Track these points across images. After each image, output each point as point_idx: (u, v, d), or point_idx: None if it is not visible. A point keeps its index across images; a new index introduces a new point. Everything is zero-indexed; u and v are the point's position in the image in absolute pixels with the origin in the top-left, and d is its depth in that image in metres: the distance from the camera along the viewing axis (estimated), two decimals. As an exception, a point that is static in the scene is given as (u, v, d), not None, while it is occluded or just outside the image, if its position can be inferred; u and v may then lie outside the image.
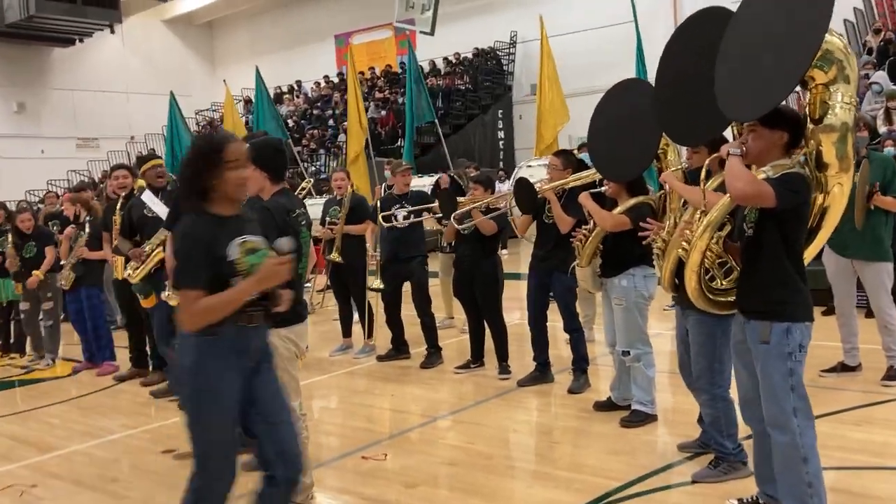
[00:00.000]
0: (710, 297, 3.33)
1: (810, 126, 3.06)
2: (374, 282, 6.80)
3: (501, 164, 20.08)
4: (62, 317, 7.88)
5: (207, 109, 26.35)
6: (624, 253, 4.85)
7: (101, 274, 7.36)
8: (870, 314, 6.08)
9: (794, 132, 3.06)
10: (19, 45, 23.81)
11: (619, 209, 4.81)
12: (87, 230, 7.14)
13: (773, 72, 2.91)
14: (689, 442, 4.34)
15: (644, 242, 4.08)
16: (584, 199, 4.91)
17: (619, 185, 4.84)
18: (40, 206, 11.34)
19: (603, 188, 5.04)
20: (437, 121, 13.73)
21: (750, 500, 3.49)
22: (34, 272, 7.43)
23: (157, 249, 5.72)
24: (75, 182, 22.97)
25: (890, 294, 5.39)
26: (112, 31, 24.28)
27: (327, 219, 7.06)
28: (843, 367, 5.58)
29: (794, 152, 3.06)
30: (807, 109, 3.09)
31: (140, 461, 4.71)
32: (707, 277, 3.33)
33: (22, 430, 5.53)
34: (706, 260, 3.28)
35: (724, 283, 3.32)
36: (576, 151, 7.01)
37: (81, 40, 24.62)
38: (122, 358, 7.12)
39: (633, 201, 4.78)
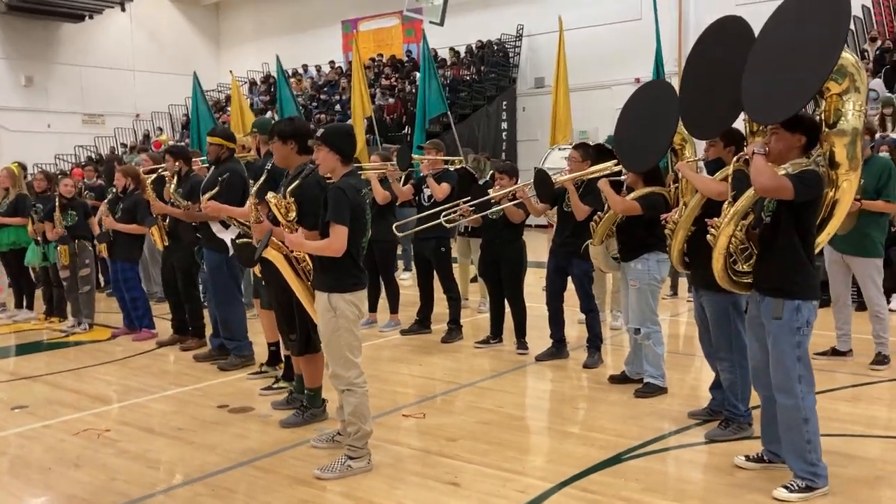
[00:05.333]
0: (733, 278, 3.80)
1: (825, 130, 3.55)
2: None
3: (504, 154, 20.51)
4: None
5: (212, 90, 26.61)
6: (639, 238, 5.36)
7: (133, 247, 7.58)
8: (861, 307, 6.59)
9: (811, 135, 3.55)
10: (30, 18, 23.97)
11: (631, 195, 5.33)
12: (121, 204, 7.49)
13: (795, 82, 3.39)
14: (699, 410, 4.85)
15: (659, 228, 4.60)
16: (603, 184, 5.41)
17: (637, 175, 5.34)
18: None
19: (623, 177, 5.53)
20: (449, 112, 14.13)
21: (756, 456, 4.00)
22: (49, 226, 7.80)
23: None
24: (83, 157, 23.28)
25: (879, 286, 5.91)
26: (123, 9, 24.51)
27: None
28: (834, 352, 6.11)
29: (811, 153, 3.54)
30: (822, 116, 3.57)
31: (198, 413, 5.17)
32: (731, 261, 3.80)
33: (81, 385, 5.97)
34: (731, 244, 3.75)
35: (745, 266, 3.79)
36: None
37: (91, 16, 24.79)
38: (162, 328, 7.56)
39: (646, 190, 5.30)
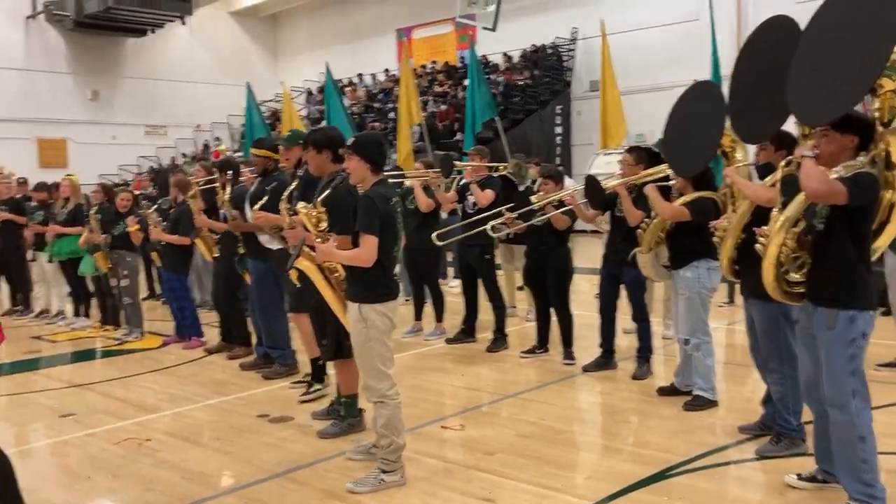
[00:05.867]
0: (785, 289, 3.59)
1: (880, 129, 3.32)
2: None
3: (558, 159, 20.28)
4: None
5: (270, 100, 27.04)
6: (689, 245, 5.15)
7: (179, 258, 7.61)
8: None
9: (864, 136, 3.33)
10: (95, 35, 24.77)
11: (679, 200, 5.12)
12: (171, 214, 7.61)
13: (844, 80, 3.18)
14: (750, 424, 4.63)
15: (709, 235, 4.41)
16: (650, 189, 5.22)
17: (686, 179, 5.13)
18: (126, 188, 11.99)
19: (671, 182, 5.34)
20: (497, 117, 14.01)
21: (809, 475, 3.77)
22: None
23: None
24: (145, 168, 23.92)
25: None
26: (183, 23, 25.10)
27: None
28: (897, 363, 5.79)
29: (865, 154, 3.32)
30: (876, 114, 3.35)
31: (238, 423, 5.16)
32: (782, 270, 3.60)
33: (127, 393, 6.04)
34: (781, 254, 3.55)
35: (797, 276, 3.58)
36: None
37: (153, 31, 25.48)
38: (213, 336, 7.64)
39: (695, 195, 5.09)
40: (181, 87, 26.72)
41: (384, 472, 3.97)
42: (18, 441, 5.04)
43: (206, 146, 25.03)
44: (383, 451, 3.99)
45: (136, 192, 10.27)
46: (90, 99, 25.07)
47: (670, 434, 4.68)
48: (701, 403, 5.12)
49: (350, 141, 3.94)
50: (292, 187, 4.58)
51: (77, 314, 9.12)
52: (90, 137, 24.45)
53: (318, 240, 4.03)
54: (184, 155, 25.34)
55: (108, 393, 6.06)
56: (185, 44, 27.09)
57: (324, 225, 4.05)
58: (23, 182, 10.26)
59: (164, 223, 7.57)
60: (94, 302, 8.98)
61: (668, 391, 5.46)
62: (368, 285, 3.88)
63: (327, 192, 4.05)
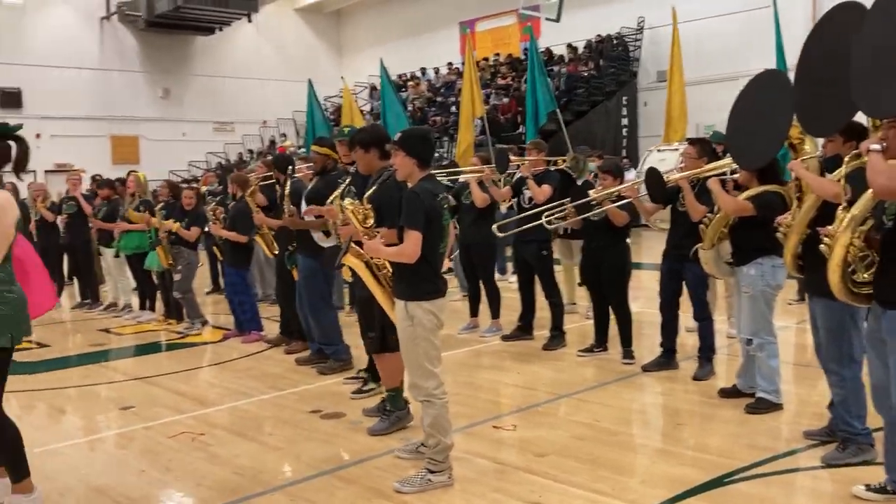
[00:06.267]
0: (853, 290, 3.40)
1: (955, 120, 3.09)
2: None
3: (625, 151, 19.90)
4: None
5: (334, 96, 27.29)
6: (752, 241, 4.93)
7: (238, 253, 7.65)
8: None
9: (938, 127, 3.10)
10: (166, 34, 25.42)
11: (744, 195, 4.91)
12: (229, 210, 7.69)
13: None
14: (816, 430, 4.41)
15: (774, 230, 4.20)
16: (712, 182, 5.04)
17: (750, 173, 4.92)
18: (195, 184, 12.29)
19: (735, 176, 5.13)
20: (558, 109, 13.81)
21: (878, 486, 3.56)
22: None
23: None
24: (213, 163, 24.45)
25: None
26: (249, 20, 25.53)
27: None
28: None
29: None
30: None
31: (290, 418, 5.18)
32: (849, 270, 3.40)
33: (186, 387, 6.14)
34: (848, 254, 3.35)
35: (865, 276, 3.38)
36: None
37: (221, 29, 26.00)
38: (272, 330, 7.72)
39: (760, 189, 4.87)
40: (248, 83, 27.19)
41: (431, 472, 3.91)
42: (81, 432, 5.16)
43: (272, 142, 25.43)
44: (430, 450, 3.94)
45: (203, 189, 10.51)
46: (161, 97, 25.75)
47: (731, 438, 4.50)
48: (764, 406, 4.91)
49: (396, 137, 3.88)
50: (346, 184, 4.55)
51: (143, 308, 9.34)
52: (161, 134, 25.12)
53: (365, 236, 3.99)
54: (250, 151, 25.80)
55: (167, 386, 6.17)
56: (252, 41, 27.56)
57: (371, 221, 4.00)
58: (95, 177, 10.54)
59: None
60: (158, 296, 9.19)
61: (730, 393, 5.25)
62: (414, 282, 3.83)
63: (373, 188, 4.01)
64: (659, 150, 14.17)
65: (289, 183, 6.64)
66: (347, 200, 4.08)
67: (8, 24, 22.64)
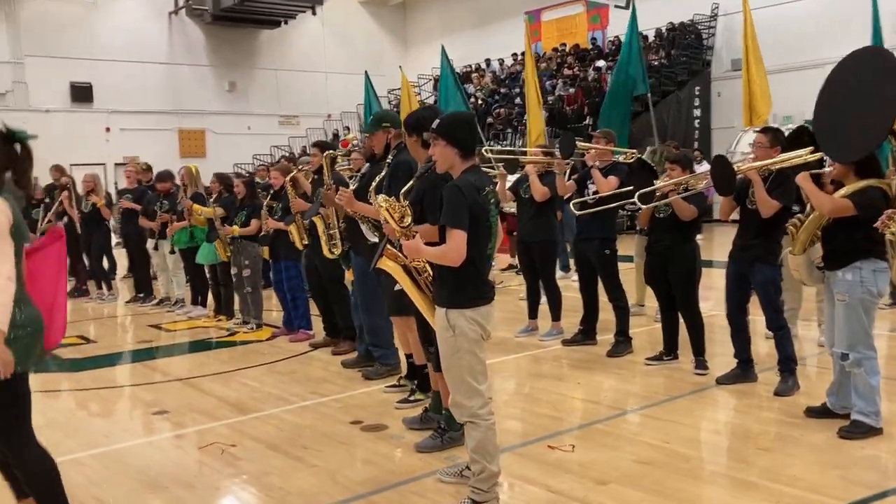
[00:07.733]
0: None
1: None
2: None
3: (697, 143, 19.02)
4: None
5: (398, 88, 27.02)
6: (849, 243, 4.32)
7: (293, 244, 7.32)
8: None
9: None
10: (232, 27, 25.52)
11: (841, 192, 4.30)
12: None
13: None
14: (926, 463, 3.79)
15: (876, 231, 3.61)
16: (803, 179, 4.44)
17: (846, 165, 4.30)
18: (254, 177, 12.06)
19: (827, 169, 4.52)
20: (649, 93, 13.23)
21: None
22: (231, 227, 7.80)
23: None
24: (278, 156, 24.46)
25: None
26: (314, 13, 25.43)
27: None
28: None
29: None
30: None
31: (329, 430, 4.80)
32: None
33: (225, 390, 5.83)
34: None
35: None
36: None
37: (286, 22, 25.98)
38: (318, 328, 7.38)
39: (860, 184, 4.25)
40: (313, 76, 27.14)
41: (474, 501, 3.46)
42: (106, 440, 4.83)
43: (336, 135, 25.29)
44: (474, 477, 3.49)
45: (258, 181, 10.28)
46: (227, 90, 25.87)
47: (821, 468, 3.91)
48: (862, 431, 4.29)
49: (435, 123, 3.39)
50: (381, 176, 4.11)
51: (195, 303, 9.14)
52: (227, 128, 25.25)
53: (402, 237, 3.53)
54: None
55: (206, 389, 5.87)
56: (317, 34, 27.45)
57: (408, 220, 3.53)
58: (147, 168, 10.40)
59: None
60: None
61: (819, 412, 4.63)
62: (456, 287, 3.37)
63: (410, 182, 3.55)
64: (756, 131, 13.29)
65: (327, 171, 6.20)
66: (381, 197, 3.61)
67: (79, 20, 23.02)
